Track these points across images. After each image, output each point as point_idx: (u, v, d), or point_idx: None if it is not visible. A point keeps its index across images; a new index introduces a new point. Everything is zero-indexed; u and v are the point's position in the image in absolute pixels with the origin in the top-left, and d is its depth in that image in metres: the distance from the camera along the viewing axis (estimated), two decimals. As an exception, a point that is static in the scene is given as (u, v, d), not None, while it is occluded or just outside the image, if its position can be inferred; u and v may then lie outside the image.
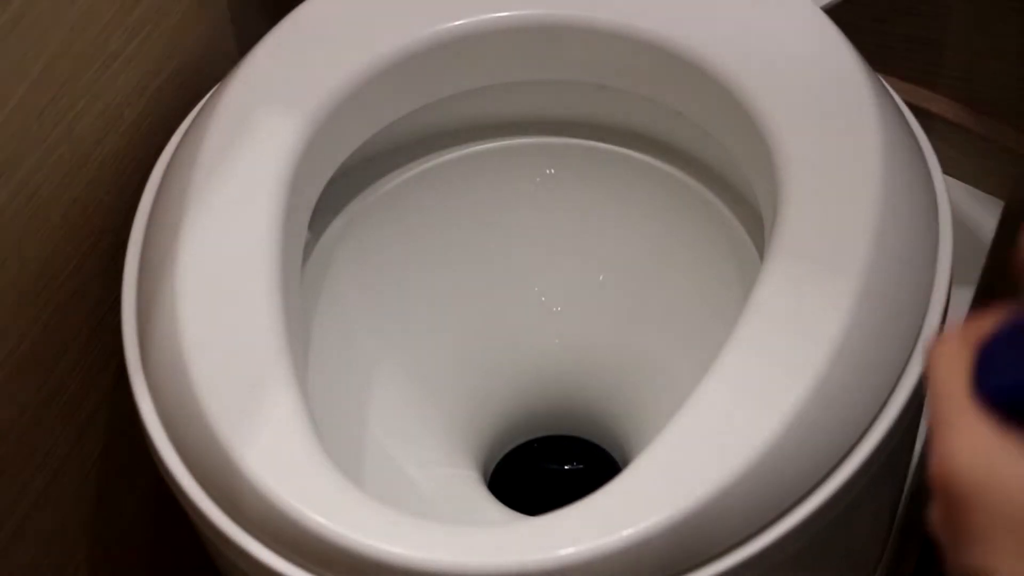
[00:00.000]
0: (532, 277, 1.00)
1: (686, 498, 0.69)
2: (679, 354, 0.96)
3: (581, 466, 1.05)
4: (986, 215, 1.19)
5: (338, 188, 0.91)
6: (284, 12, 0.89)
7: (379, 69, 0.86)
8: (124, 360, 0.81)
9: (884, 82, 0.87)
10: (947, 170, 0.88)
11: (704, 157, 0.94)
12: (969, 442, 0.46)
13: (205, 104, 0.88)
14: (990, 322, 0.47)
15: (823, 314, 0.73)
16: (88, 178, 0.87)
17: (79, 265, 0.89)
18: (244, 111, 0.85)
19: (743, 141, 0.84)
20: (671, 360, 0.96)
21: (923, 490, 1.08)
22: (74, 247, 0.88)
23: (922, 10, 1.15)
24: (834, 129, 0.81)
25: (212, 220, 0.81)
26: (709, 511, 0.69)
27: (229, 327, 0.77)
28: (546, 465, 1.05)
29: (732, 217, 0.93)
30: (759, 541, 0.71)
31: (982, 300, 1.09)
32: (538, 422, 1.04)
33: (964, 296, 1.14)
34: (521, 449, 1.05)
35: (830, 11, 0.87)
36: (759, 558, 0.71)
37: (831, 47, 0.85)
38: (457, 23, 0.88)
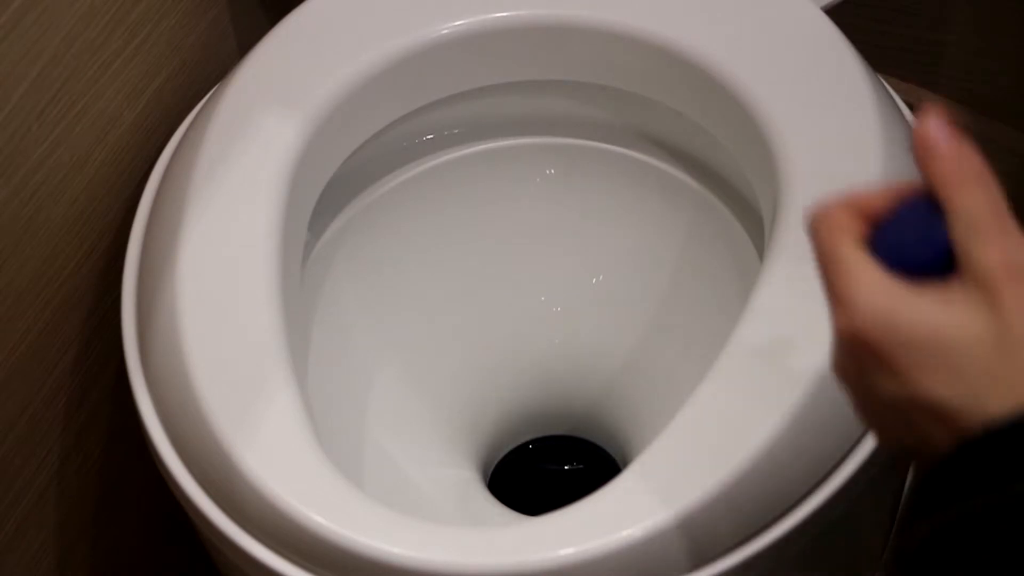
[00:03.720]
0: (532, 277, 1.00)
1: (686, 498, 0.69)
2: (679, 354, 0.96)
3: (581, 466, 1.05)
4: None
5: (338, 188, 0.91)
6: (284, 12, 0.89)
7: (379, 69, 0.86)
8: (124, 360, 0.81)
9: (884, 82, 0.87)
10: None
11: (704, 157, 0.94)
12: (877, 290, 0.50)
13: (205, 104, 0.88)
14: (879, 199, 0.52)
15: (823, 314, 0.73)
16: (88, 178, 0.87)
17: (79, 265, 0.89)
18: (244, 111, 0.85)
19: (743, 141, 0.84)
20: (671, 360, 0.96)
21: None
22: (74, 247, 0.88)
23: (922, 10, 1.15)
24: (834, 129, 0.81)
25: (212, 220, 0.81)
26: (709, 511, 0.69)
27: (229, 327, 0.77)
28: (546, 465, 1.05)
29: (732, 217, 0.93)
30: (759, 541, 0.71)
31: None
32: (538, 422, 1.04)
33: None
34: (521, 449, 1.05)
35: (830, 11, 0.87)
36: (759, 558, 0.71)
37: (831, 47, 0.85)
38: (457, 23, 0.88)
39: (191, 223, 0.81)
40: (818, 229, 0.52)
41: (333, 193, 0.90)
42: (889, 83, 0.89)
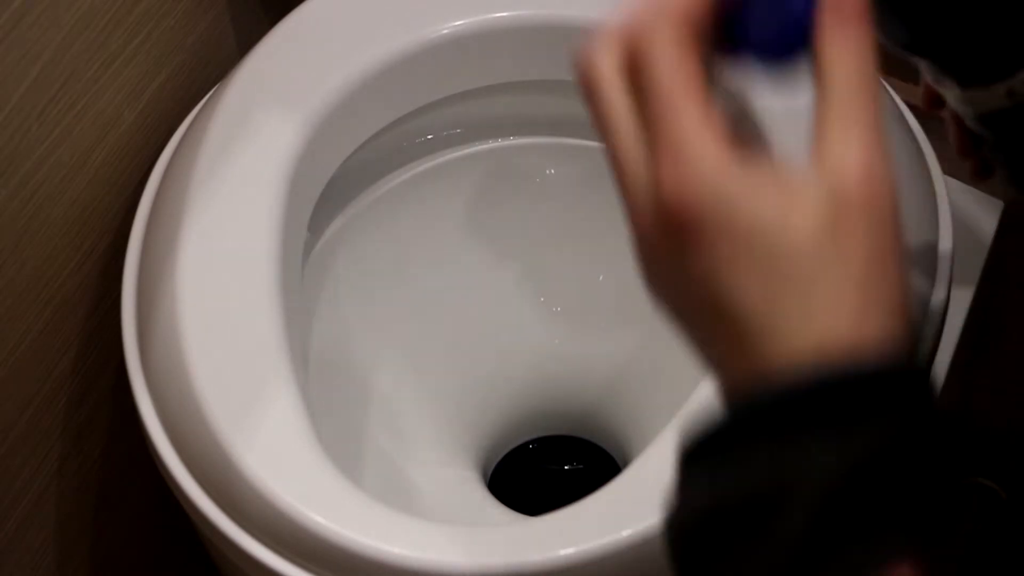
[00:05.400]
0: (532, 277, 1.00)
1: (686, 498, 0.69)
2: (679, 354, 0.95)
3: (581, 466, 1.05)
4: (986, 215, 1.19)
5: (338, 188, 0.91)
6: (284, 12, 0.89)
7: (379, 70, 0.86)
8: (124, 360, 0.81)
9: (884, 82, 0.87)
10: (947, 170, 0.88)
11: (704, 157, 0.94)
12: (710, 163, 0.41)
13: (205, 104, 0.88)
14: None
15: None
16: (88, 178, 0.87)
17: (79, 265, 0.89)
18: (244, 111, 0.85)
19: (743, 141, 0.84)
20: (671, 360, 0.96)
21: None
22: (74, 247, 0.88)
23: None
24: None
25: (212, 220, 0.81)
26: (709, 511, 0.69)
27: (229, 327, 0.77)
28: (546, 465, 1.05)
29: (732, 217, 0.93)
30: (759, 541, 0.71)
31: (982, 300, 1.09)
32: (538, 422, 1.04)
33: (964, 296, 1.14)
34: (521, 449, 1.05)
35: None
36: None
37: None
38: (457, 24, 0.88)
39: (191, 223, 0.81)
40: (654, 55, 0.42)
41: (333, 193, 0.90)
42: (889, 83, 0.89)
